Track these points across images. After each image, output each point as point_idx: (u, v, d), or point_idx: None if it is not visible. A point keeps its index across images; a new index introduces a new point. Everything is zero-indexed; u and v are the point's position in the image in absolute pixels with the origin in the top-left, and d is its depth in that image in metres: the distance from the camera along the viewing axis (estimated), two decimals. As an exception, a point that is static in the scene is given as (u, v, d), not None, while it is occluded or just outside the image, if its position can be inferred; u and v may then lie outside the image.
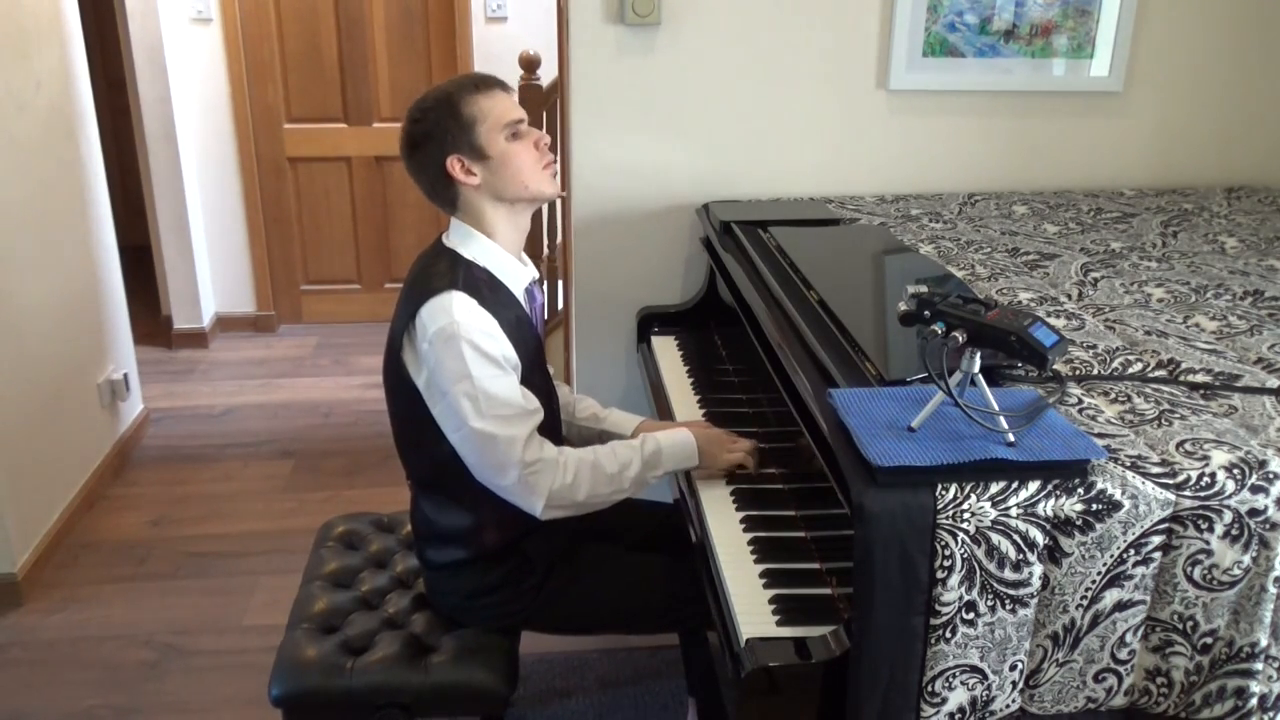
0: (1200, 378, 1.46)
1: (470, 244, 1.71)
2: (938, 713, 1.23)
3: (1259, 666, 1.25)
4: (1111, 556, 1.20)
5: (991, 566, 1.19)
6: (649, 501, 2.07)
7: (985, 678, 1.23)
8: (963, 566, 1.18)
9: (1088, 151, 2.64)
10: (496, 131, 1.66)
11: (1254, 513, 1.20)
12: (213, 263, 4.57)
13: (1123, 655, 1.26)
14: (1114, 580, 1.22)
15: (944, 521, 1.16)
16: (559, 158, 2.55)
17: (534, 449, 1.64)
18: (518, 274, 1.75)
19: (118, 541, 3.00)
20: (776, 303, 1.80)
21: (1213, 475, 1.21)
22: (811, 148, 2.53)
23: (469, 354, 1.59)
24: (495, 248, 1.72)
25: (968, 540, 1.17)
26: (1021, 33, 2.52)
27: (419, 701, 1.70)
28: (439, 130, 1.65)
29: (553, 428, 1.85)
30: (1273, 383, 1.44)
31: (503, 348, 1.64)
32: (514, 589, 1.78)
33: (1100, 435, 1.28)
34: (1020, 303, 1.77)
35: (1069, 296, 1.81)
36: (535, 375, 1.76)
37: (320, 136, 4.50)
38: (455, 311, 1.60)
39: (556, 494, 1.65)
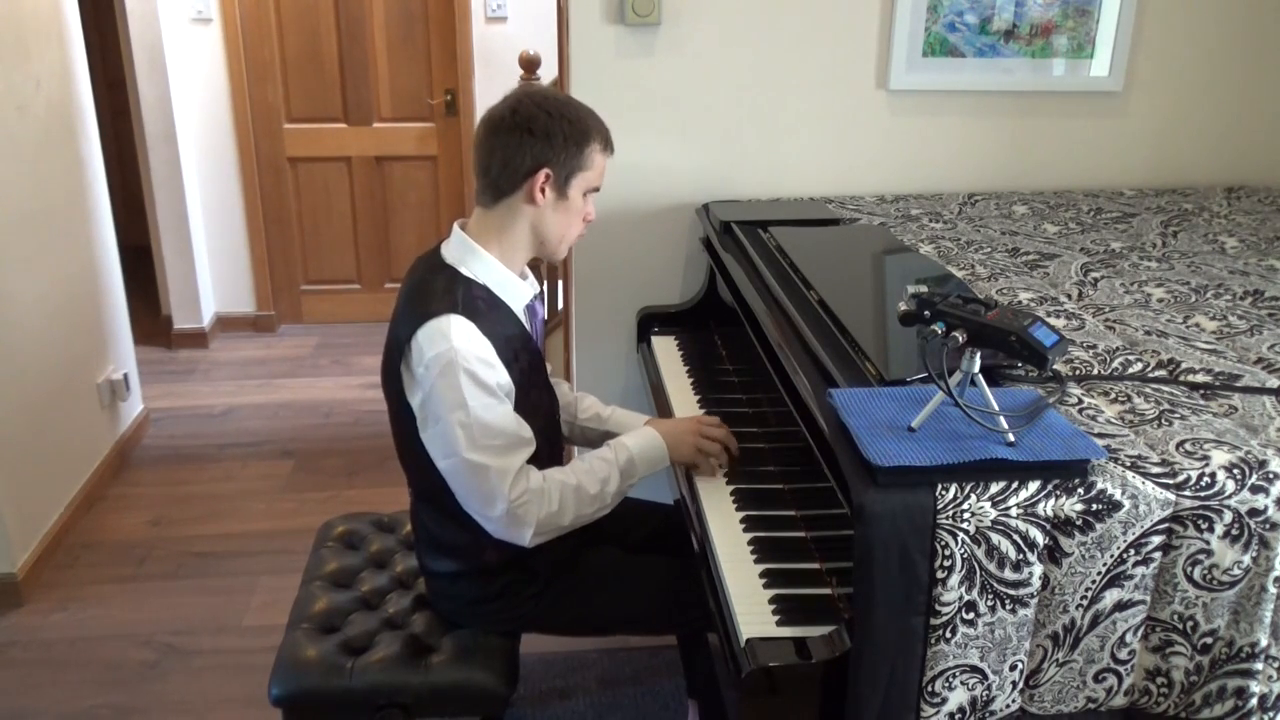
0: (1200, 378, 1.46)
1: (472, 260, 1.66)
2: (938, 713, 1.23)
3: (1259, 666, 1.25)
4: (1111, 556, 1.20)
5: (991, 566, 1.19)
6: (649, 502, 2.07)
7: (985, 678, 1.23)
8: (963, 566, 1.18)
9: (1088, 151, 2.64)
10: (584, 186, 1.69)
11: (1254, 513, 1.20)
12: (212, 263, 4.57)
13: (1123, 655, 1.26)
14: (1114, 580, 1.22)
15: (944, 521, 1.16)
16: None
17: (522, 480, 1.62)
18: (518, 291, 1.71)
19: (118, 541, 3.00)
20: (776, 303, 1.80)
21: (1213, 475, 1.21)
22: (812, 148, 2.53)
23: (465, 383, 1.55)
24: (498, 265, 1.67)
25: (968, 540, 1.17)
26: (1021, 33, 2.52)
27: (419, 701, 1.70)
28: (558, 141, 1.62)
29: (553, 438, 1.83)
30: (1273, 383, 1.44)
31: (499, 376, 1.60)
32: (515, 596, 1.77)
33: (1100, 435, 1.28)
34: (1020, 303, 1.77)
35: (1069, 296, 1.81)
36: (535, 392, 1.72)
37: (320, 136, 4.50)
38: (454, 337, 1.56)
39: (544, 522, 1.64)
